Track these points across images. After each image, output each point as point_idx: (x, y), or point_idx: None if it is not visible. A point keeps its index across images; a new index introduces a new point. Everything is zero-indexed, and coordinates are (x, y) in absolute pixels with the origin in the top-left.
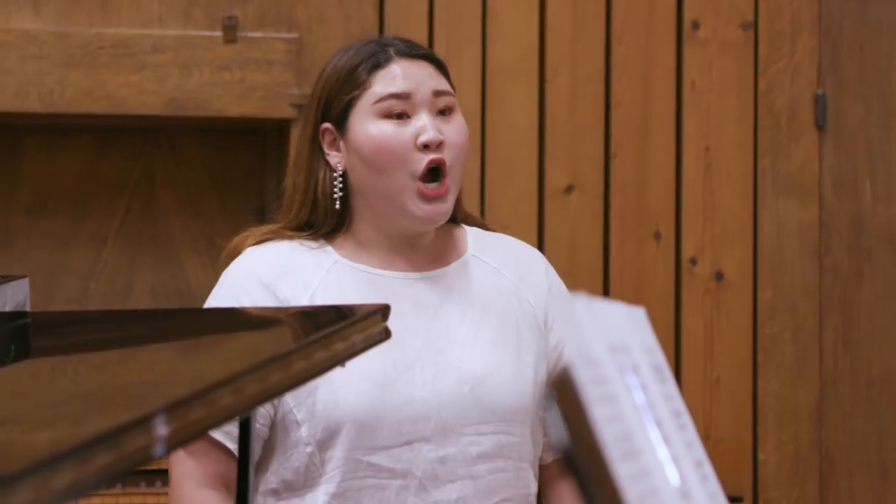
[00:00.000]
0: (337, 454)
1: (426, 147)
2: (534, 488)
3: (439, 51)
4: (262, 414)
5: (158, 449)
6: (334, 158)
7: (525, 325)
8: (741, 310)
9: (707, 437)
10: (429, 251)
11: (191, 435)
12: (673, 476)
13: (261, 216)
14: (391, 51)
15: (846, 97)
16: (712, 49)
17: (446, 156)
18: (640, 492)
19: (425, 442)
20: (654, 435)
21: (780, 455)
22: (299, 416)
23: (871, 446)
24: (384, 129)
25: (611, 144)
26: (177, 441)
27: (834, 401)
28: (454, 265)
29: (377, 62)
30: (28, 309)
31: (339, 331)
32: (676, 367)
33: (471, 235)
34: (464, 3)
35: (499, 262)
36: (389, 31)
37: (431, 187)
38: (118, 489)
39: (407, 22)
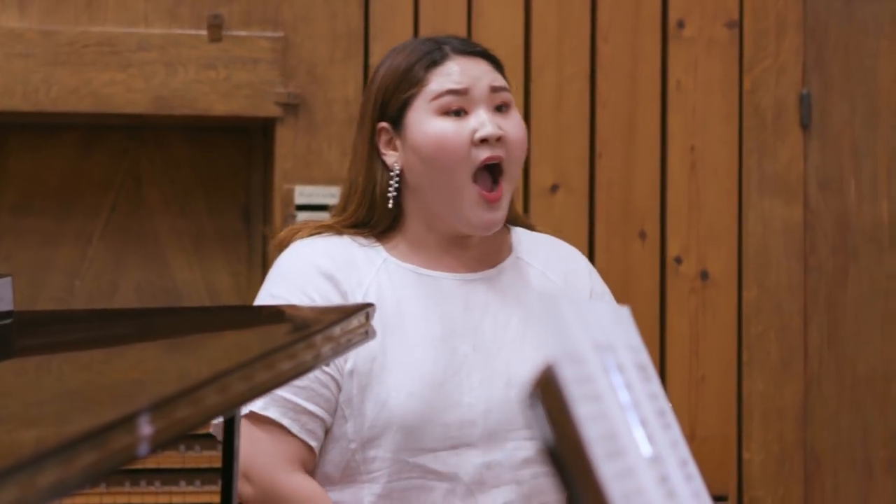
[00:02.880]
0: (382, 454)
1: (484, 142)
2: None
3: None
4: (332, 403)
5: (143, 448)
6: (391, 158)
7: None
8: (726, 309)
9: (692, 436)
10: (477, 251)
11: (176, 434)
12: (657, 474)
13: (247, 214)
14: (447, 48)
15: (831, 96)
16: (698, 48)
17: (505, 153)
18: (624, 490)
19: (472, 447)
20: (639, 434)
21: (765, 453)
22: (347, 412)
23: (856, 445)
24: (443, 126)
25: (596, 143)
26: (161, 440)
27: (819, 399)
28: (501, 267)
29: (434, 60)
30: (13, 307)
31: (324, 329)
32: (662, 366)
33: (515, 236)
34: (449, 1)
35: (543, 264)
36: (375, 30)
37: (491, 194)
38: (103, 488)
39: (392, 21)
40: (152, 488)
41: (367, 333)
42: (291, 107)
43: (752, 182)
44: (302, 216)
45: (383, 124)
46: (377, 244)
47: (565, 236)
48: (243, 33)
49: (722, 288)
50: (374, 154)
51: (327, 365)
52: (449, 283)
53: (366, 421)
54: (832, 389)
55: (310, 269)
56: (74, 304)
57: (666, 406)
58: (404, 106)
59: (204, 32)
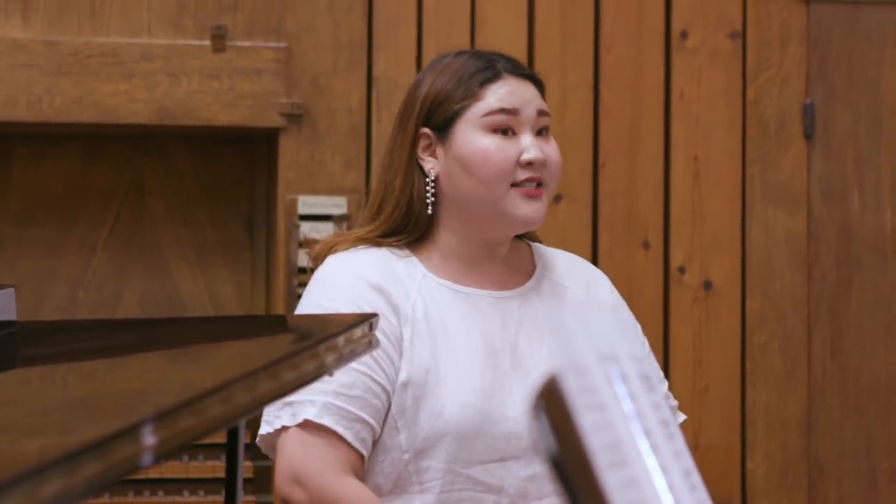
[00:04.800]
0: (436, 464)
1: (529, 165)
2: None
3: (427, 60)
4: (382, 413)
5: (147, 458)
6: (428, 164)
7: None
8: (730, 319)
9: (696, 446)
10: (504, 266)
11: (179, 444)
12: (661, 485)
13: (250, 224)
14: (499, 66)
15: (835, 106)
16: (701, 58)
17: (545, 175)
18: (628, 500)
19: (516, 460)
20: (643, 444)
21: (768, 464)
22: (400, 423)
23: (860, 455)
24: (492, 143)
25: (599, 153)
26: (165, 450)
27: (823, 409)
28: (529, 283)
29: (487, 76)
30: (16, 318)
31: (328, 340)
32: (665, 376)
33: (536, 252)
34: (452, 11)
35: (565, 279)
36: (378, 40)
37: (530, 187)
38: (106, 498)
39: (396, 31)
40: (156, 498)
41: (370, 344)
42: (295, 117)
43: (755, 192)
44: (305, 226)
45: (426, 130)
46: (412, 256)
47: (569, 246)
48: (247, 44)
49: (725, 298)
50: (413, 158)
51: (330, 374)
52: (485, 300)
53: (420, 431)
54: (836, 399)
55: (358, 282)
56: (78, 315)
57: (670, 416)
58: (453, 117)
59: (207, 43)
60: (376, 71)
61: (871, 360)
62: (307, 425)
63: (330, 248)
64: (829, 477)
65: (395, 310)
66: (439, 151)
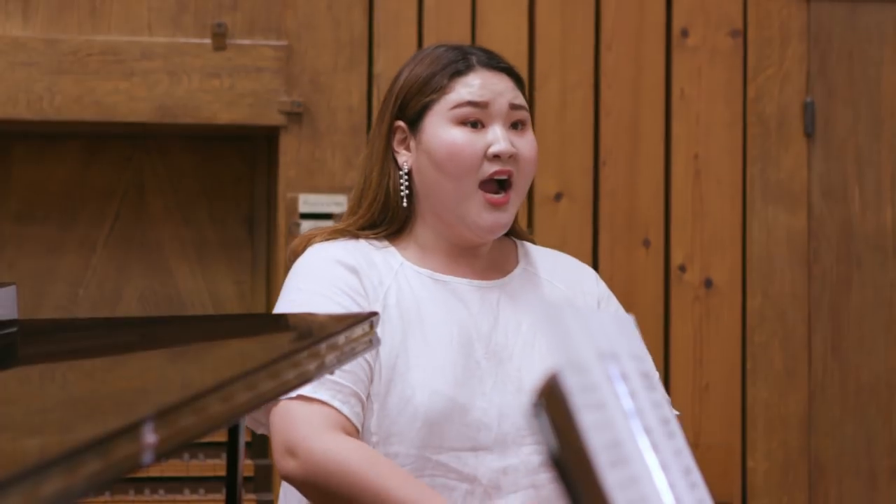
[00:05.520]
0: (406, 450)
1: (496, 157)
2: None
3: None
4: (367, 390)
5: (147, 456)
6: (402, 157)
7: None
8: (730, 317)
9: (696, 444)
10: (486, 261)
11: (180, 442)
12: (661, 483)
13: (250, 223)
14: (473, 59)
15: (835, 104)
16: (701, 57)
17: (515, 169)
18: (629, 499)
19: (488, 451)
20: (643, 442)
21: (769, 462)
22: (376, 405)
23: (860, 453)
24: (458, 135)
25: (600, 152)
26: (165, 449)
27: (823, 408)
28: (510, 276)
29: (458, 69)
30: (16, 316)
31: (328, 338)
32: (665, 374)
33: (521, 249)
34: (453, 9)
35: (550, 273)
36: (379, 38)
37: (496, 197)
38: (107, 496)
39: (396, 29)
40: (156, 496)
41: (372, 342)
42: (295, 115)
43: (755, 190)
44: (306, 225)
45: (400, 123)
46: (390, 247)
47: (569, 245)
48: (247, 42)
49: (726, 296)
50: (388, 151)
51: (331, 373)
52: (464, 288)
53: (388, 415)
54: (836, 398)
55: (334, 265)
56: (78, 313)
57: (670, 414)
58: (423, 109)
59: (208, 41)
60: (377, 69)
61: (872, 359)
62: (301, 399)
63: (308, 241)
64: (829, 475)
65: (366, 293)
66: (412, 144)
